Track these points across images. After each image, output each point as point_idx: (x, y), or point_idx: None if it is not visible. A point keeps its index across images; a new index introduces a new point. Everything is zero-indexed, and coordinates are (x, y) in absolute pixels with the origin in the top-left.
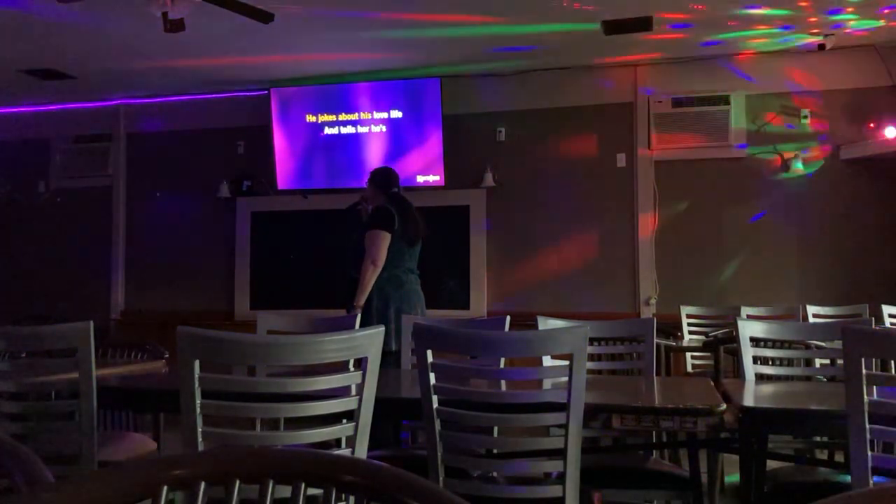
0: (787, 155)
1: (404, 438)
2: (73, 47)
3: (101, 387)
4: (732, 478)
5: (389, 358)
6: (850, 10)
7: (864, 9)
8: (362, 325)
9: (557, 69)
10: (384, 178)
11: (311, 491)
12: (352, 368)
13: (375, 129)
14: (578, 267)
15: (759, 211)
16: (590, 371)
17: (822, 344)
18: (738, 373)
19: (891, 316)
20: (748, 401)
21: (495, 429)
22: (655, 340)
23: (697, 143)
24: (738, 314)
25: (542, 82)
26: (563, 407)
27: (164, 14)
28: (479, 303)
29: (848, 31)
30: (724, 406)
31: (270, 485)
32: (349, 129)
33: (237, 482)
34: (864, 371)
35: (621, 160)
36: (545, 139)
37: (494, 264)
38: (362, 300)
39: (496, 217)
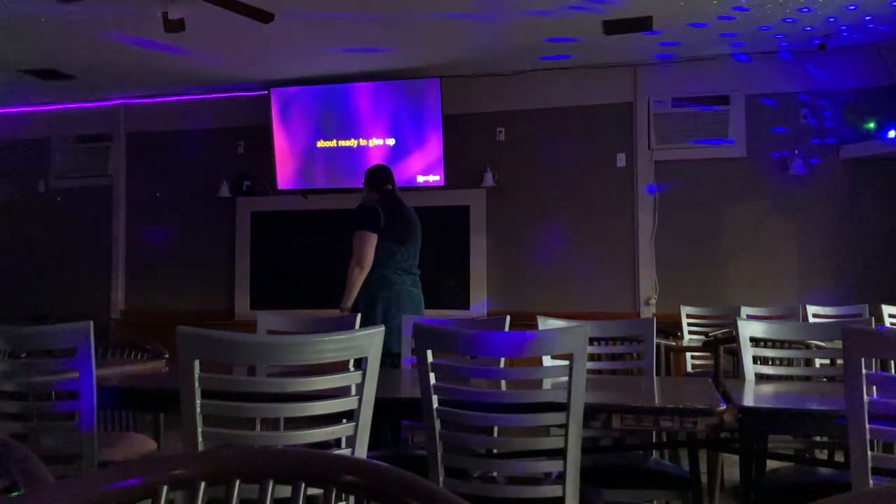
0: (787, 155)
1: (404, 438)
2: (73, 47)
3: (101, 387)
4: (732, 478)
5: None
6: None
7: (864, 9)
8: None
9: (557, 69)
10: (377, 175)
11: (311, 491)
12: (352, 368)
13: (375, 129)
14: (578, 267)
15: (759, 211)
16: (590, 371)
17: (822, 344)
18: (738, 373)
19: (891, 316)
20: (748, 401)
21: (495, 429)
22: (655, 340)
23: (697, 143)
24: (738, 314)
25: (542, 82)
26: (563, 407)
27: (164, 14)
28: (479, 303)
29: (848, 30)
30: (724, 406)
31: (270, 485)
32: (349, 130)
33: (237, 482)
34: (864, 371)
35: (621, 160)
36: (545, 139)
37: (494, 264)
38: (349, 302)
39: (496, 217)
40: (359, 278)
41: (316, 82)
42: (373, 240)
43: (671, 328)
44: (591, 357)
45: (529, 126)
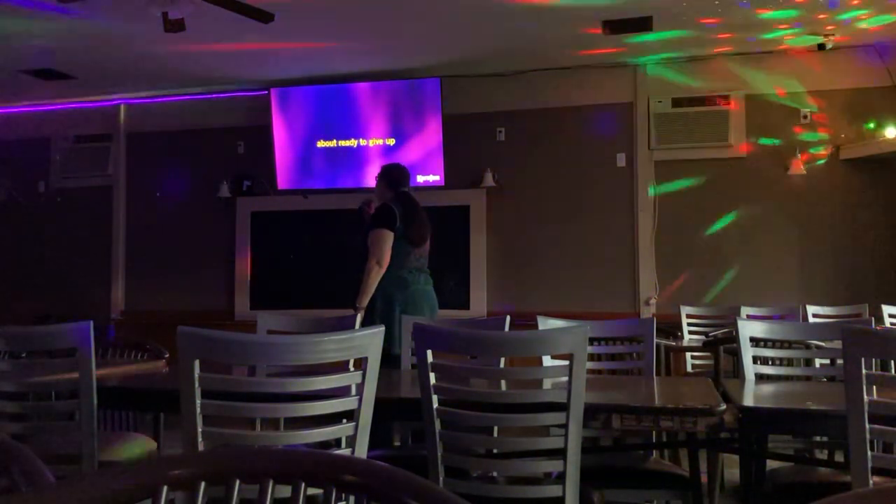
0: (786, 155)
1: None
2: (73, 47)
3: (101, 387)
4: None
5: (394, 362)
6: (854, 2)
7: (866, 8)
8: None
9: (557, 69)
10: (394, 175)
11: (311, 491)
12: (352, 368)
13: (375, 129)
14: (578, 267)
15: (759, 211)
16: (590, 371)
17: (822, 344)
18: (738, 373)
19: (891, 316)
20: (748, 401)
21: (495, 429)
22: (655, 340)
23: (697, 142)
24: (738, 314)
25: (542, 82)
26: (563, 407)
27: (164, 14)
28: (479, 303)
29: (848, 30)
30: (724, 406)
31: (270, 485)
32: (349, 130)
33: (237, 482)
34: (864, 371)
35: (621, 160)
36: (545, 139)
37: (494, 264)
38: (364, 301)
39: (496, 217)
40: (376, 277)
41: (316, 82)
42: (390, 238)
43: (671, 328)
44: (591, 357)
45: (529, 126)
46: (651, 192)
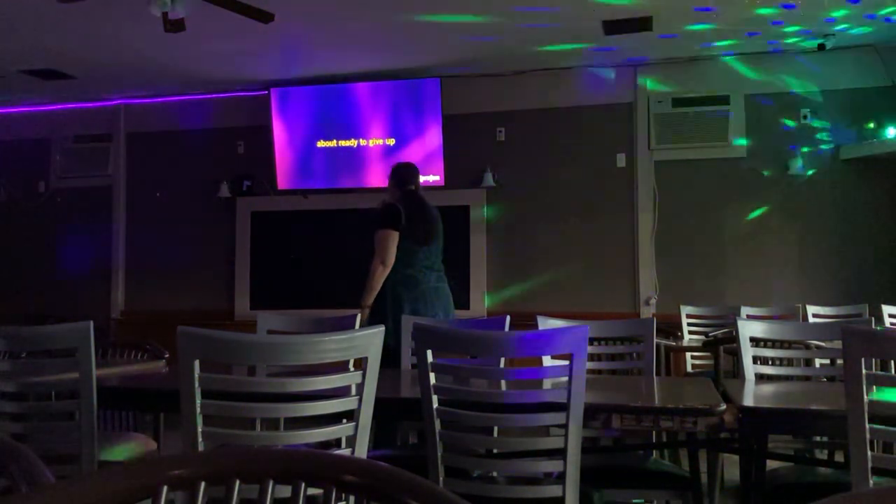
0: (787, 155)
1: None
2: (73, 47)
3: (101, 387)
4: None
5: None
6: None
7: (864, 9)
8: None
9: (557, 69)
10: (402, 174)
11: (311, 491)
12: (352, 368)
13: (375, 129)
14: (578, 267)
15: (759, 211)
16: (590, 371)
17: (822, 344)
18: (738, 373)
19: (891, 316)
20: (748, 401)
21: (495, 429)
22: (655, 340)
23: (697, 142)
24: (738, 314)
25: (542, 82)
26: (563, 407)
27: (164, 14)
28: (479, 303)
29: (848, 30)
30: (724, 406)
31: (270, 485)
32: (349, 130)
33: (237, 482)
34: (864, 371)
35: (621, 160)
36: (545, 139)
37: (494, 264)
38: (369, 300)
39: (496, 217)
40: (381, 276)
41: (316, 82)
42: (394, 238)
43: (671, 328)
44: (591, 357)
45: (529, 126)
46: (651, 192)
